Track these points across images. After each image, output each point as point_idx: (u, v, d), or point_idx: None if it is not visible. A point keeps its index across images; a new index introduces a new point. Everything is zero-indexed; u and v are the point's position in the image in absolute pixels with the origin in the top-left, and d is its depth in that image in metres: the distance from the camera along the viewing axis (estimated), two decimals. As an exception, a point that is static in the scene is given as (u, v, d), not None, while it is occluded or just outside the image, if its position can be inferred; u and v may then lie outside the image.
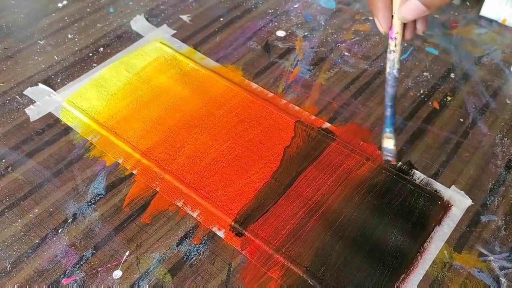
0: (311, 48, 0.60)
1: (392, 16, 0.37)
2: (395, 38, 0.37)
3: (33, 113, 0.52)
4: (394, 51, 0.38)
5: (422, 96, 0.55)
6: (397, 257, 0.41)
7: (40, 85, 0.55)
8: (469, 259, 0.41)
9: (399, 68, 0.39)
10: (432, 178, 0.47)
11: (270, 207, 0.44)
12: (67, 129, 0.51)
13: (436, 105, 0.54)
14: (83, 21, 0.64)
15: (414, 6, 0.34)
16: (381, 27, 0.37)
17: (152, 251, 0.41)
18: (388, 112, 0.42)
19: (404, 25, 0.37)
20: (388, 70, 0.40)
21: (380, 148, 0.45)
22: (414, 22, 0.38)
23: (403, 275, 0.40)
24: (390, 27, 0.37)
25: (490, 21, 0.65)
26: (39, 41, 0.61)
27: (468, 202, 0.45)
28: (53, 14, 0.65)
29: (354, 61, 0.59)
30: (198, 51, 0.60)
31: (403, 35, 0.38)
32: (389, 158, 0.43)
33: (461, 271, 0.41)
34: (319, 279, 0.39)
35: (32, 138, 0.50)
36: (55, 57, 0.59)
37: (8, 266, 0.40)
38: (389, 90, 0.41)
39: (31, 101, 0.53)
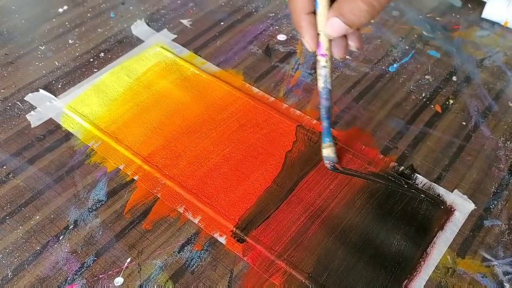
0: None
1: (319, 34, 0.38)
2: (326, 55, 0.39)
3: (34, 119, 0.52)
4: (325, 67, 0.40)
5: (424, 100, 0.55)
6: (400, 263, 0.41)
7: (41, 91, 0.55)
8: (473, 264, 0.41)
9: (331, 81, 0.41)
10: (434, 183, 0.46)
11: (272, 212, 0.44)
12: (68, 135, 0.51)
13: (438, 108, 0.54)
14: (84, 26, 0.64)
15: (337, 24, 0.35)
16: (309, 46, 0.39)
17: (153, 258, 0.41)
18: (326, 123, 0.44)
19: (332, 41, 0.39)
20: (321, 85, 0.41)
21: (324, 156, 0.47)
22: (346, 39, 0.39)
23: (406, 280, 0.40)
24: (318, 45, 0.38)
25: (492, 23, 0.65)
26: (39, 47, 0.61)
27: (471, 206, 0.45)
28: (54, 20, 0.65)
29: (355, 64, 0.59)
30: (199, 55, 0.60)
31: (332, 52, 0.39)
32: (332, 165, 0.47)
33: (464, 277, 0.40)
34: (322, 285, 0.39)
35: (33, 144, 0.50)
36: (56, 62, 0.59)
37: (9, 274, 0.40)
38: (325, 103, 0.43)
39: (32, 107, 0.53)
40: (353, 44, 0.39)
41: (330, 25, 0.36)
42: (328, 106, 0.43)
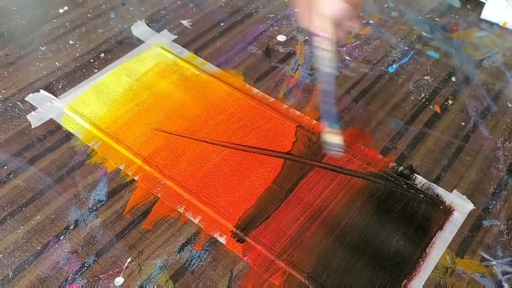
0: (311, 52, 0.60)
1: (319, 15, 0.37)
2: (327, 37, 0.38)
3: (35, 119, 0.52)
4: (326, 50, 0.38)
5: (423, 100, 0.55)
6: (399, 263, 0.41)
7: (42, 91, 0.55)
8: (472, 264, 0.41)
9: (332, 66, 0.39)
10: (433, 183, 0.47)
11: (272, 212, 0.44)
12: (69, 136, 0.51)
13: (437, 108, 0.54)
14: (84, 27, 0.64)
15: (339, 3, 0.35)
16: (304, 24, 0.38)
17: (153, 258, 0.41)
18: (328, 108, 0.42)
19: (335, 25, 0.37)
20: (324, 69, 0.40)
21: (329, 144, 0.45)
22: (347, 22, 0.38)
23: (405, 280, 0.40)
24: (320, 27, 0.37)
25: (491, 24, 0.65)
26: (40, 47, 0.61)
27: (470, 206, 0.45)
28: (54, 20, 0.65)
29: (354, 65, 0.59)
30: (199, 56, 0.60)
31: (334, 35, 0.38)
32: (338, 153, 0.44)
33: (463, 276, 0.40)
34: (321, 285, 0.39)
35: (34, 145, 0.50)
36: (56, 63, 0.59)
37: (10, 274, 0.40)
38: (325, 86, 0.41)
39: (33, 108, 0.54)
40: (353, 26, 0.38)
41: (330, 4, 0.35)
42: (329, 90, 0.41)
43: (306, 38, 0.62)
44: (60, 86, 0.56)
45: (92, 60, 0.59)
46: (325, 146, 0.45)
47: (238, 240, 0.42)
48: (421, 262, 0.41)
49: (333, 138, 0.44)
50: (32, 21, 0.65)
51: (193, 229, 0.43)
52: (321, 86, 0.41)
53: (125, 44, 0.62)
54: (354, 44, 0.62)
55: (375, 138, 0.51)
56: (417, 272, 0.40)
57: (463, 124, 0.52)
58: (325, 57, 0.39)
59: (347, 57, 0.60)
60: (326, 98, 0.42)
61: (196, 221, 0.44)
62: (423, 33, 0.63)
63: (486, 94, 0.56)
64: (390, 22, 0.65)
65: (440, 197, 0.45)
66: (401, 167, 0.48)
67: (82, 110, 0.53)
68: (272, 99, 0.54)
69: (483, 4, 0.65)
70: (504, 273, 0.41)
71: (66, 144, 0.50)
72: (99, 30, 0.64)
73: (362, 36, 0.63)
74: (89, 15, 0.66)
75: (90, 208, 0.45)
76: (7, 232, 0.43)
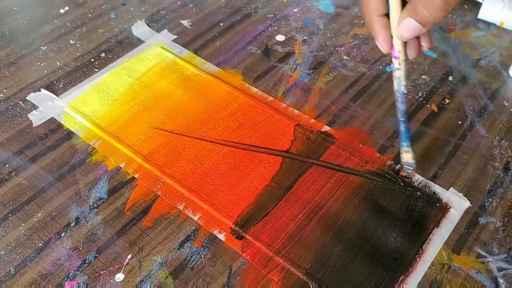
0: (310, 52, 0.61)
1: (392, 36, 0.38)
2: (398, 57, 0.38)
3: (36, 118, 0.53)
4: (399, 69, 0.39)
5: (421, 99, 0.55)
6: (396, 259, 0.41)
7: (43, 90, 0.56)
8: (468, 261, 0.42)
9: (406, 84, 0.40)
10: (430, 180, 0.47)
11: (270, 210, 0.45)
12: (70, 134, 0.51)
13: (434, 108, 0.54)
14: (85, 27, 0.65)
15: (411, 25, 0.35)
16: (383, 48, 0.38)
17: (153, 254, 0.42)
18: (402, 127, 0.44)
19: (406, 43, 0.38)
20: (396, 87, 0.41)
21: (402, 162, 0.46)
22: (418, 39, 0.38)
23: (402, 276, 0.40)
24: (392, 47, 0.38)
25: (488, 24, 0.65)
26: (41, 47, 0.62)
27: (466, 204, 0.45)
28: (55, 20, 0.65)
29: (353, 64, 0.59)
30: (199, 55, 0.60)
31: (406, 54, 0.39)
32: (410, 171, 0.46)
33: (459, 272, 0.41)
34: (319, 281, 0.40)
35: (35, 143, 0.50)
36: (57, 62, 0.59)
37: (12, 270, 0.41)
38: (400, 106, 0.42)
39: (34, 107, 0.54)
40: (425, 45, 0.38)
41: (403, 26, 0.35)
42: (404, 109, 0.42)
43: (305, 38, 0.63)
44: (61, 85, 0.57)
45: (92, 60, 0.60)
46: (402, 165, 0.46)
47: (237, 237, 0.43)
48: (418, 259, 0.41)
49: (404, 156, 0.45)
50: (33, 21, 0.65)
51: (192, 226, 0.44)
52: (396, 104, 0.42)
53: (125, 44, 0.62)
54: (352, 43, 0.62)
55: (373, 136, 0.51)
56: (414, 268, 0.41)
57: (460, 123, 0.53)
58: (399, 76, 0.40)
59: (345, 57, 0.60)
60: (399, 117, 0.43)
61: (195, 218, 0.44)
62: (421, 33, 0.64)
63: (483, 93, 0.56)
64: (388, 22, 0.65)
65: (437, 195, 0.46)
66: (399, 165, 0.48)
67: (83, 109, 0.53)
68: (271, 98, 0.55)
69: (480, 4, 0.66)
70: (500, 269, 0.41)
71: (67, 142, 0.50)
72: (100, 30, 0.64)
73: (361, 36, 0.63)
74: (89, 15, 0.66)
75: (91, 206, 0.45)
76: (9, 229, 0.44)
